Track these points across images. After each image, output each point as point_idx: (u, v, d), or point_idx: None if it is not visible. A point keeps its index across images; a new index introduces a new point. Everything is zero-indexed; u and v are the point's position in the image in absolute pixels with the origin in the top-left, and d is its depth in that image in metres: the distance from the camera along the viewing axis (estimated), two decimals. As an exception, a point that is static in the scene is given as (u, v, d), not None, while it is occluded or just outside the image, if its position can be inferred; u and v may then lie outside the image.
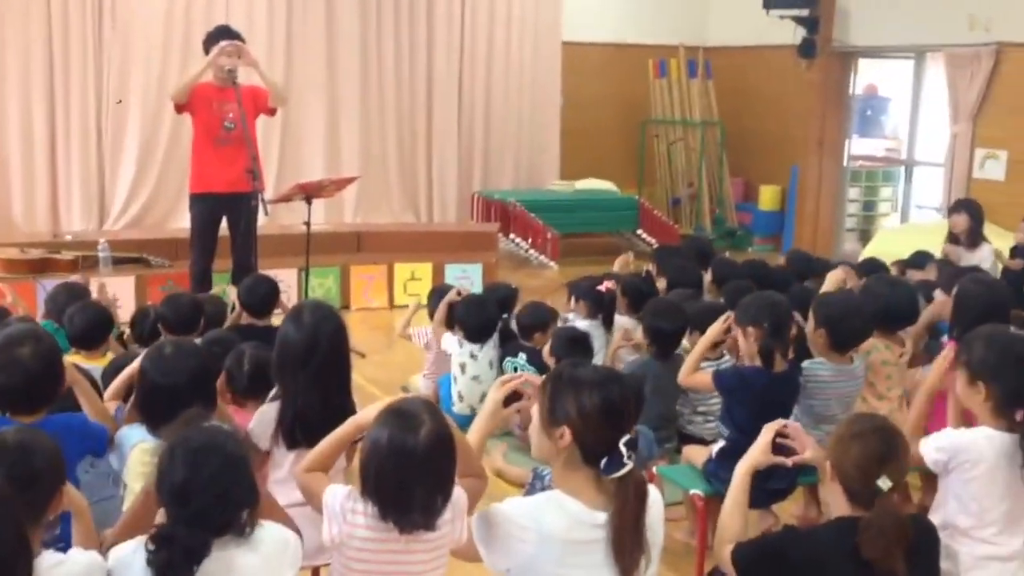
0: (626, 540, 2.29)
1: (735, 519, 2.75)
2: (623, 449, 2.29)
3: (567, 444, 2.35)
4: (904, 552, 2.41)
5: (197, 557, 2.14)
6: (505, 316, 5.80)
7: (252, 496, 2.25)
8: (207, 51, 6.57)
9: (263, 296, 4.96)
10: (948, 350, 3.43)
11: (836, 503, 2.58)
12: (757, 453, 2.88)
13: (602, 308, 5.44)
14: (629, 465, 2.29)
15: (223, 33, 6.66)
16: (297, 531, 2.44)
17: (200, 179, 6.70)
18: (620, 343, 5.14)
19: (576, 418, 2.34)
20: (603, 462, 2.30)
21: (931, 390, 3.28)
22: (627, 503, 2.29)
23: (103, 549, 2.33)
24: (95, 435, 3.02)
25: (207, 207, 6.71)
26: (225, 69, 6.45)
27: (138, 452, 2.88)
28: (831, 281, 5.08)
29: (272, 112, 6.91)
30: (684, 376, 4.16)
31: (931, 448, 2.99)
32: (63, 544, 2.45)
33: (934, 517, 2.99)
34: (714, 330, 4.14)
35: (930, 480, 3.43)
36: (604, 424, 2.32)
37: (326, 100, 10.23)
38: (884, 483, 2.45)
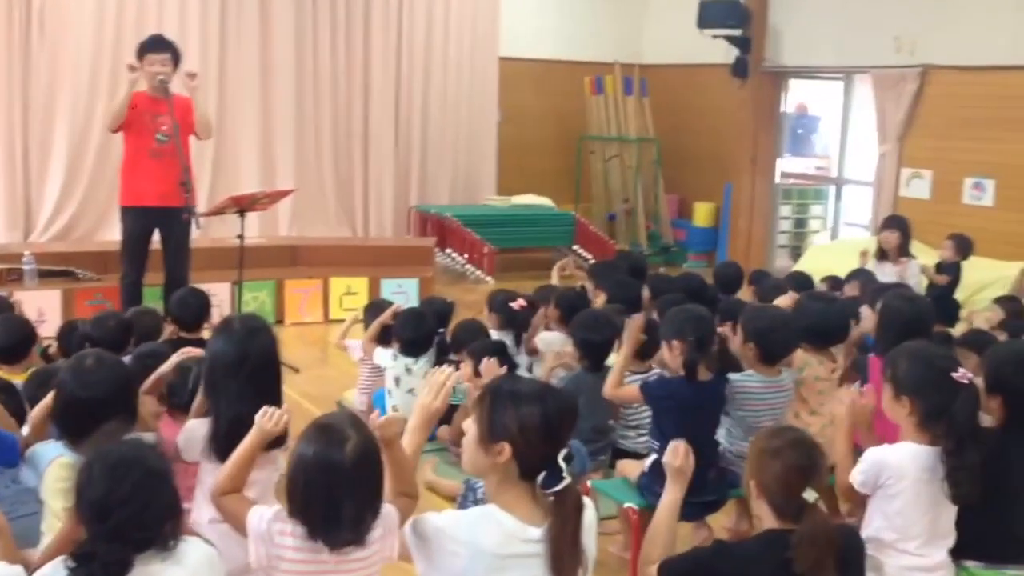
0: (564, 554, 2.29)
1: (658, 546, 2.74)
2: (561, 463, 2.28)
3: (506, 459, 2.33)
4: (835, 563, 2.44)
5: (118, 573, 2.10)
6: (441, 331, 5.78)
7: (175, 509, 2.21)
8: (137, 59, 6.46)
9: (194, 310, 4.89)
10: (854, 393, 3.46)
11: (764, 517, 2.60)
12: (676, 487, 2.86)
13: (514, 324, 5.45)
14: (567, 480, 2.29)
15: (157, 43, 6.53)
16: (212, 545, 2.41)
17: (132, 192, 6.56)
18: (555, 363, 5.13)
19: (516, 433, 2.32)
20: (541, 477, 2.30)
21: (848, 431, 3.27)
22: (566, 518, 2.29)
23: (30, 571, 2.27)
24: (5, 444, 2.94)
25: (139, 220, 6.58)
26: (157, 79, 6.34)
27: (56, 468, 2.80)
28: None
29: (195, 134, 6.70)
30: (609, 388, 4.19)
31: (857, 474, 3.04)
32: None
33: (863, 532, 3.04)
34: (632, 338, 4.17)
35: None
36: (543, 439, 2.32)
37: (261, 113, 10.13)
38: (810, 495, 2.48)
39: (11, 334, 4.22)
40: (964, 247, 7.22)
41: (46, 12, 9.03)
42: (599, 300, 5.86)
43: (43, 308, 7.13)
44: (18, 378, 3.95)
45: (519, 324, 5.45)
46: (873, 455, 3.03)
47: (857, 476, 3.03)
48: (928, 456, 2.96)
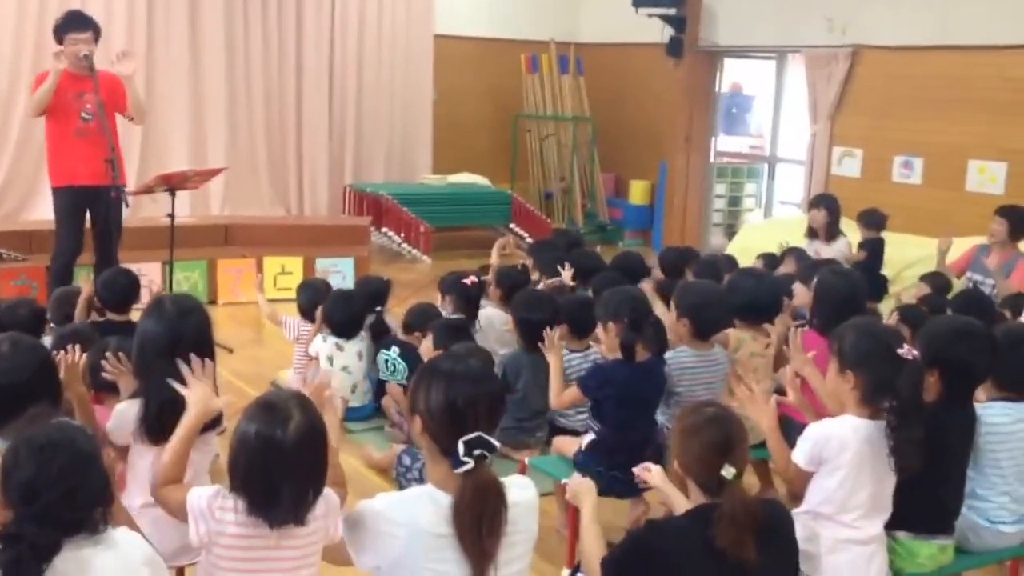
0: (465, 536, 2.29)
1: (592, 550, 2.73)
2: (461, 447, 2.28)
3: (419, 432, 2.38)
4: (755, 538, 2.46)
5: (46, 555, 2.06)
6: (379, 309, 5.74)
7: (104, 493, 2.17)
8: (58, 39, 6.25)
9: (123, 290, 4.78)
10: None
11: (692, 493, 2.62)
12: (586, 507, 2.86)
13: (470, 302, 5.43)
14: (468, 464, 2.28)
15: (76, 20, 6.32)
16: (139, 532, 2.37)
17: (60, 172, 6.38)
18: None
19: (424, 409, 2.36)
20: (452, 458, 2.31)
21: (778, 435, 3.25)
22: (462, 500, 2.29)
23: None
24: None
25: (70, 200, 6.41)
26: (81, 55, 6.15)
27: None
28: None
29: (129, 117, 6.55)
30: (555, 400, 4.21)
31: (799, 452, 3.06)
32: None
33: (803, 504, 3.08)
34: (556, 350, 4.17)
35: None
36: (448, 420, 2.33)
37: (190, 90, 9.94)
38: (728, 471, 2.50)
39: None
40: (874, 222, 7.25)
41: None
42: (535, 278, 5.87)
43: (-36, 290, 6.94)
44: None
45: (474, 300, 5.42)
46: (814, 431, 3.06)
47: (801, 456, 3.05)
48: (869, 429, 3.00)
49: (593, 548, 2.73)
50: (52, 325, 4.60)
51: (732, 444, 2.53)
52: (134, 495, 2.96)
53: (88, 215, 6.49)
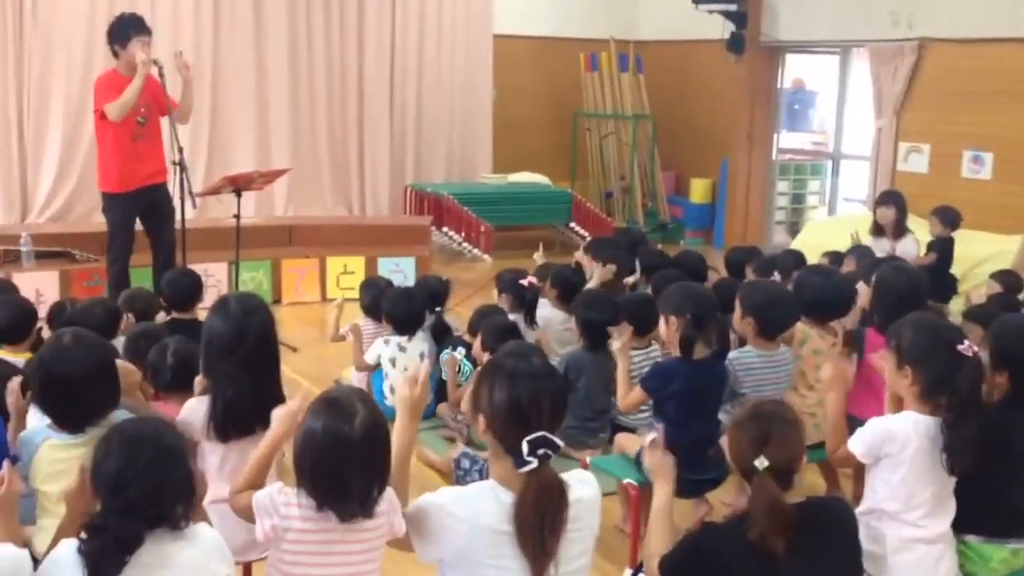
0: (527, 534, 2.30)
1: (658, 542, 2.72)
2: (524, 447, 2.29)
3: (483, 431, 2.40)
4: (796, 535, 2.42)
5: (129, 547, 2.11)
6: (438, 309, 5.77)
7: (188, 489, 2.22)
8: (116, 41, 6.35)
9: (185, 289, 4.88)
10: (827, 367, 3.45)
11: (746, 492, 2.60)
12: (661, 485, 2.85)
13: (524, 302, 5.43)
14: (532, 464, 2.29)
15: (142, 25, 6.42)
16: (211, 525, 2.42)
17: (118, 178, 6.47)
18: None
19: (487, 408, 2.37)
20: (515, 456, 2.32)
21: (837, 401, 3.26)
22: (525, 499, 2.30)
23: (33, 551, 2.29)
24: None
25: (125, 205, 6.53)
26: (153, 62, 6.29)
27: (46, 450, 2.76)
28: None
29: (174, 118, 6.56)
30: (622, 402, 4.19)
31: (858, 443, 3.03)
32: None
33: (864, 503, 3.05)
34: (624, 356, 4.17)
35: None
36: (511, 419, 2.34)
37: (255, 93, 10.08)
38: (760, 463, 2.47)
39: (13, 315, 4.20)
40: (950, 219, 7.14)
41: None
42: (601, 272, 5.78)
43: (41, 289, 7.13)
44: (22, 355, 3.95)
45: (530, 301, 5.44)
46: (876, 424, 3.02)
47: (858, 446, 3.02)
48: (931, 426, 2.95)
49: (658, 541, 2.71)
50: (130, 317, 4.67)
51: (768, 438, 2.49)
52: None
53: (143, 217, 6.61)
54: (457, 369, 5.25)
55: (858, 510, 2.94)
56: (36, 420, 3.00)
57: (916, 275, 4.37)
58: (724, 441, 2.65)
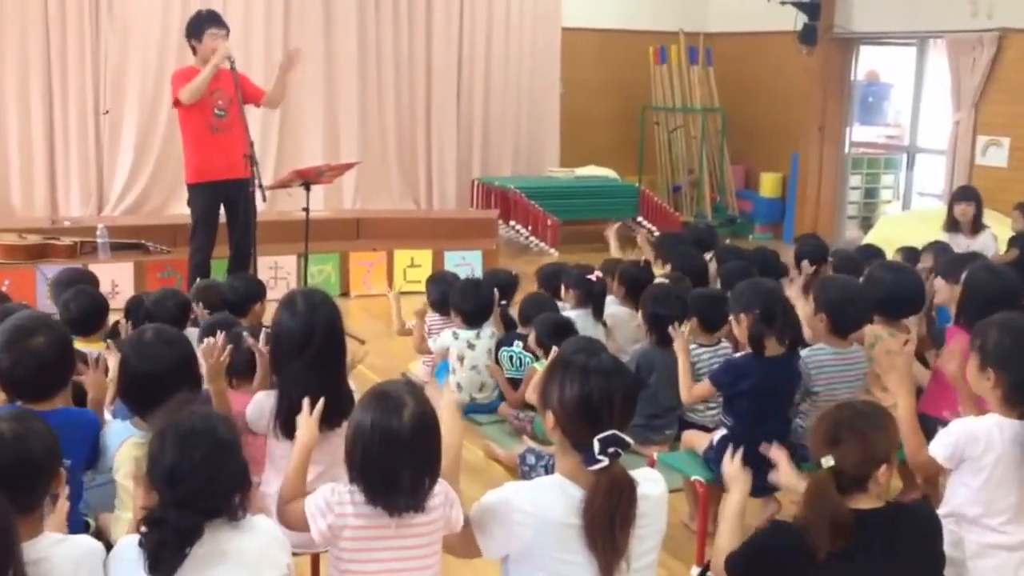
0: (596, 532, 2.28)
1: (727, 543, 2.68)
2: (596, 445, 2.26)
3: (552, 427, 2.37)
4: (841, 537, 2.37)
5: (189, 539, 2.14)
6: (504, 303, 5.76)
7: (243, 480, 2.24)
8: (192, 36, 6.52)
9: (244, 294, 4.99)
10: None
11: None
12: (737, 492, 2.81)
13: (591, 298, 5.39)
14: (603, 461, 2.27)
15: (212, 19, 6.57)
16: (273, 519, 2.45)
17: (198, 168, 6.62)
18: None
19: (556, 404, 2.35)
20: (584, 453, 2.29)
21: (907, 407, 3.16)
22: (595, 497, 2.28)
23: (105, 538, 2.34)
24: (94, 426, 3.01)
25: (208, 196, 6.66)
26: (227, 57, 6.38)
27: (128, 448, 2.84)
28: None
29: (258, 104, 6.84)
30: (685, 395, 4.16)
31: (939, 447, 2.95)
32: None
33: (943, 507, 2.97)
34: (683, 348, 4.14)
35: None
36: (581, 415, 2.31)
37: (324, 87, 10.19)
38: (827, 462, 2.43)
39: (86, 306, 4.30)
40: None
41: (115, -9, 9.18)
42: (661, 270, 5.79)
43: (116, 280, 7.28)
44: (95, 346, 4.03)
45: (596, 297, 5.40)
46: (958, 427, 2.94)
47: (940, 450, 2.94)
48: (1016, 429, 2.86)
49: (727, 541, 2.68)
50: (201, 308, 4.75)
51: (838, 438, 2.44)
52: (271, 482, 3.03)
53: (224, 210, 6.72)
54: (517, 364, 5.25)
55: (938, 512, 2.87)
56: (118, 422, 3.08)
57: (1008, 276, 4.21)
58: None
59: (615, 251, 6.61)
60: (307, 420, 2.70)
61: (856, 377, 4.08)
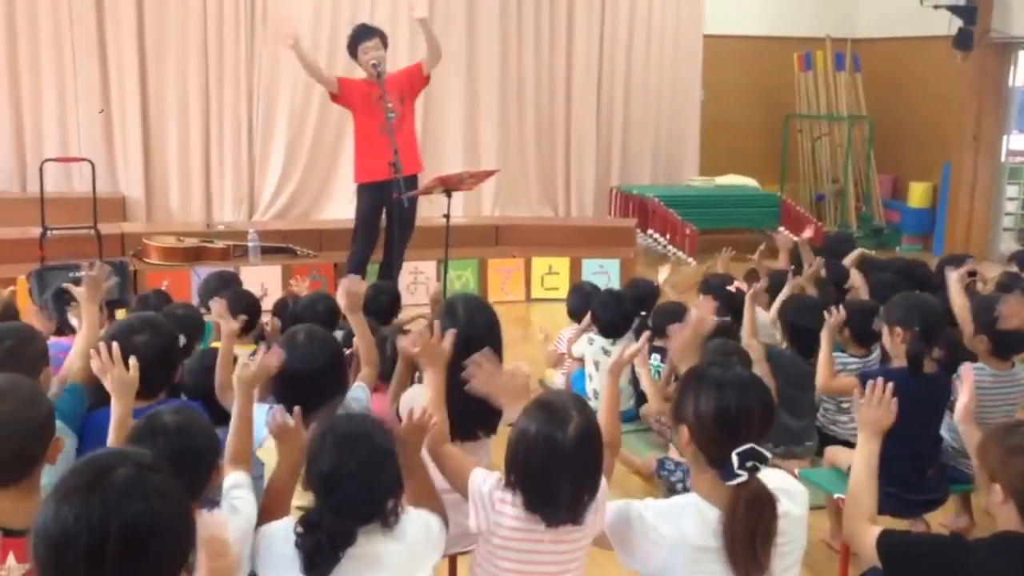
0: (737, 549, 2.24)
1: (863, 505, 2.55)
2: (734, 459, 2.22)
3: (686, 442, 2.34)
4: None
5: (343, 544, 2.19)
6: (643, 314, 5.72)
7: (397, 487, 2.28)
8: (351, 55, 6.82)
9: (384, 305, 5.02)
10: None
11: (1005, 518, 2.37)
12: (869, 439, 2.66)
13: (732, 308, 5.29)
14: (742, 476, 2.23)
15: (366, 32, 6.84)
16: (445, 518, 2.47)
17: (365, 169, 6.86)
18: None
19: (692, 419, 2.31)
20: (723, 468, 2.26)
21: None
22: (734, 514, 2.24)
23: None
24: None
25: (369, 198, 6.87)
26: (370, 64, 6.61)
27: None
28: None
29: (426, 80, 7.03)
30: (822, 382, 4.06)
31: None
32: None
33: None
34: (829, 336, 4.00)
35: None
36: (717, 430, 2.27)
37: (466, 95, 10.33)
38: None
39: (240, 308, 4.45)
40: None
41: (269, 4, 9.52)
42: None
43: (265, 283, 7.53)
44: (244, 347, 4.18)
45: (737, 307, 5.31)
46: None
47: None
48: None
49: (867, 502, 2.55)
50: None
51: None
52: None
53: (385, 213, 6.89)
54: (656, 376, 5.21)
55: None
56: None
57: None
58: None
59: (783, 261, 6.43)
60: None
61: (1015, 399, 3.92)
